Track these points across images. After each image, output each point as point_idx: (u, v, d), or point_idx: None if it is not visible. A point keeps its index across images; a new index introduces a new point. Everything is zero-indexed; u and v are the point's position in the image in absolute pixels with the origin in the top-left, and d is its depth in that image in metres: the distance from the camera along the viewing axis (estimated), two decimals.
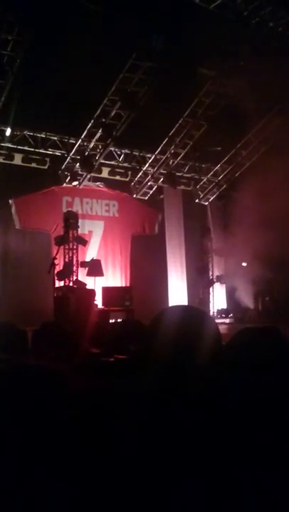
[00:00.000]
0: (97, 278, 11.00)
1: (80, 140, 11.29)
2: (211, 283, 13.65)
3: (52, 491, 0.91)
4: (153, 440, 1.13)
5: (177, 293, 13.26)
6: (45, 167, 11.54)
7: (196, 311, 1.38)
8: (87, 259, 11.58)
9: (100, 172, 12.22)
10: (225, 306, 14.07)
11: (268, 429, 1.18)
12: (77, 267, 11.16)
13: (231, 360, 1.61)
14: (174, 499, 1.10)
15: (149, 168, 12.70)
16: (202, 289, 13.55)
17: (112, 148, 11.97)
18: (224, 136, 11.79)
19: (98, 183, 12.46)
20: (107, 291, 10.55)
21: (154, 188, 13.06)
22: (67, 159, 11.55)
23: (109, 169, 12.41)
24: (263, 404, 1.21)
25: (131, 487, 1.02)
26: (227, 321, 13.25)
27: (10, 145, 10.99)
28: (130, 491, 1.02)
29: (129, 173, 12.75)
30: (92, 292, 9.77)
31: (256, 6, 9.60)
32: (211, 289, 13.63)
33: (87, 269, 11.13)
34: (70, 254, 11.12)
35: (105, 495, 0.96)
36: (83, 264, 11.26)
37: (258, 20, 9.82)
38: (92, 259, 11.41)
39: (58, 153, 11.55)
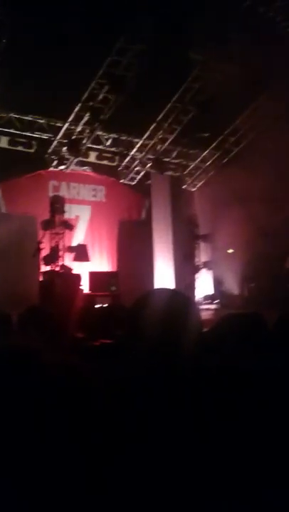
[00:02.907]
0: (84, 263, 10.99)
1: (67, 123, 11.17)
2: (198, 269, 13.71)
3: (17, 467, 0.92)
4: (136, 421, 1.15)
5: (164, 279, 13.30)
6: (32, 150, 11.40)
7: (180, 295, 1.40)
8: (74, 244, 11.54)
9: (87, 156, 12.12)
10: (211, 292, 14.17)
11: (250, 412, 1.20)
12: (64, 252, 11.12)
13: (215, 345, 1.63)
14: (156, 481, 1.12)
15: (137, 153, 12.63)
16: (188, 275, 13.60)
17: (100, 133, 11.87)
18: (212, 122, 11.74)
19: (85, 168, 12.36)
20: (94, 276, 10.56)
21: (141, 174, 13.01)
22: (54, 143, 11.43)
23: (96, 153, 12.31)
24: (245, 388, 1.23)
25: (107, 466, 1.04)
26: (213, 306, 13.36)
27: None
28: (106, 471, 1.03)
29: (117, 157, 12.66)
30: (78, 277, 9.78)
31: None
32: (197, 275, 13.70)
33: (73, 254, 11.11)
34: (57, 239, 11.08)
35: (77, 474, 0.97)
36: (70, 249, 11.23)
37: (249, 4, 9.74)
38: (79, 244, 11.39)
39: (44, 136, 11.41)
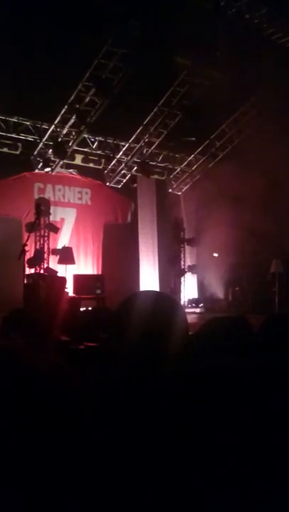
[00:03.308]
0: (69, 266, 10.94)
1: (53, 126, 11.13)
2: (183, 273, 13.75)
3: None
4: (121, 426, 1.14)
5: (149, 282, 13.32)
6: (17, 152, 11.34)
7: (166, 297, 1.39)
8: (59, 246, 11.49)
9: (73, 159, 12.09)
10: (196, 296, 14.22)
11: (234, 414, 1.20)
12: (49, 255, 11.07)
13: (200, 348, 1.63)
14: (140, 484, 1.11)
15: (123, 157, 12.63)
16: (173, 278, 13.63)
17: (86, 135, 11.85)
18: (198, 126, 11.81)
19: (71, 170, 12.32)
20: (79, 278, 10.50)
21: (127, 177, 13.02)
22: (40, 145, 11.38)
23: (82, 156, 12.28)
24: (230, 391, 1.23)
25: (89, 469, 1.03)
26: (197, 310, 13.40)
27: None
28: (84, 473, 1.02)
29: (103, 160, 12.65)
30: (63, 280, 9.71)
31: None
32: (182, 278, 13.74)
33: (58, 256, 11.05)
34: (42, 242, 11.02)
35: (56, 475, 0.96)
36: (54, 251, 11.18)
37: (235, 11, 9.84)
38: (64, 247, 11.33)
39: (30, 138, 11.35)
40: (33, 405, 0.96)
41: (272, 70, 9.64)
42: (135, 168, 12.90)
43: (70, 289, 10.35)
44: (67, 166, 12.15)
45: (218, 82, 10.33)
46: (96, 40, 9.49)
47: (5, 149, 11.16)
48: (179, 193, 14.37)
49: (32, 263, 10.44)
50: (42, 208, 10.63)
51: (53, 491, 0.95)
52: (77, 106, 10.67)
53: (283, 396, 1.25)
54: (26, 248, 9.31)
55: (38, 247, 10.89)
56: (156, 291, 1.47)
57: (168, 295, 1.46)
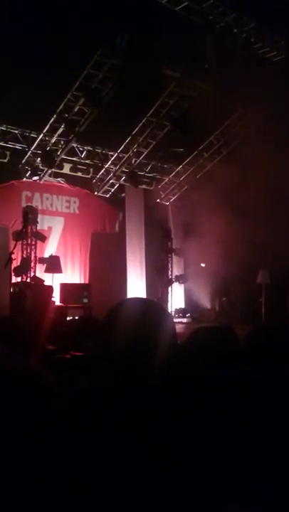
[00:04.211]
0: (56, 275, 10.89)
1: (41, 134, 11.13)
2: (170, 282, 13.77)
3: None
4: (107, 434, 1.14)
5: (136, 291, 13.30)
6: (5, 160, 11.31)
7: (154, 304, 1.39)
8: (46, 255, 11.43)
9: (62, 168, 12.08)
10: (183, 306, 14.23)
11: (220, 421, 1.21)
12: (36, 263, 11.01)
13: (187, 357, 1.64)
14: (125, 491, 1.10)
15: (111, 166, 12.67)
16: (161, 288, 13.64)
17: (75, 145, 11.86)
18: (187, 137, 11.91)
19: (59, 179, 12.32)
20: (65, 287, 10.47)
21: (115, 186, 13.04)
22: (28, 153, 11.36)
23: (70, 165, 12.29)
24: (215, 399, 1.24)
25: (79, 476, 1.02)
26: (184, 320, 13.41)
27: None
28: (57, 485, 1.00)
29: (91, 170, 12.67)
30: (49, 289, 9.67)
31: (221, 11, 9.76)
32: (169, 288, 13.75)
33: (45, 265, 11.00)
34: (29, 250, 10.96)
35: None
36: (42, 260, 11.12)
37: (223, 25, 9.98)
38: (51, 256, 11.29)
39: (18, 146, 11.34)
40: (6, 410, 0.95)
41: (260, 83, 9.78)
42: (123, 177, 12.94)
43: (56, 297, 10.31)
44: (56, 175, 12.14)
45: (206, 94, 10.44)
46: (86, 50, 9.55)
47: None
48: (167, 203, 14.43)
49: (19, 272, 10.37)
50: (29, 216, 10.60)
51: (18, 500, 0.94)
52: (66, 115, 10.69)
53: (266, 405, 1.26)
54: (13, 257, 9.27)
55: (25, 255, 10.83)
56: (144, 299, 1.47)
57: (156, 302, 1.45)
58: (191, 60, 10.26)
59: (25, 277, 10.48)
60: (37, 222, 11.22)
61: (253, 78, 9.65)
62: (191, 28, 9.46)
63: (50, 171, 11.70)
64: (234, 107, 12.03)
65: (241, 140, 12.46)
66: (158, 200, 14.20)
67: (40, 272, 10.96)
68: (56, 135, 11.08)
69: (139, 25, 8.96)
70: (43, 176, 11.69)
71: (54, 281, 10.66)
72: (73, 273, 12.39)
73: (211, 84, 10.58)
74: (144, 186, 13.69)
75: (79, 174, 12.51)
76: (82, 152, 12.33)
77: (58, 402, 1.03)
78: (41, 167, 11.53)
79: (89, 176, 12.70)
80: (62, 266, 11.26)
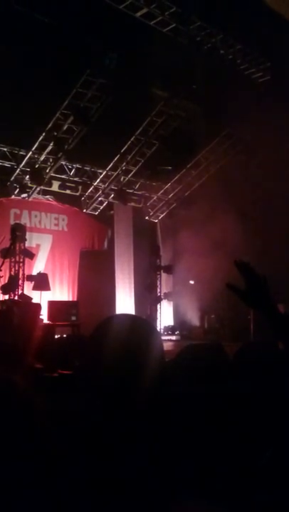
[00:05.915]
0: (44, 292, 10.81)
1: (30, 152, 11.16)
2: (159, 300, 13.75)
3: None
4: (96, 452, 1.12)
5: (125, 309, 13.24)
6: None
7: (142, 321, 1.38)
8: (34, 272, 11.37)
9: (50, 185, 12.09)
10: (172, 323, 14.19)
11: (209, 438, 1.19)
12: (23, 281, 10.94)
13: (176, 374, 1.62)
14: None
15: (100, 184, 12.72)
16: (149, 305, 13.61)
17: (63, 162, 11.91)
18: (175, 155, 12.02)
19: (48, 197, 12.32)
20: (53, 305, 10.38)
21: (104, 204, 13.08)
22: (17, 171, 11.37)
23: (59, 183, 12.30)
24: (204, 416, 1.23)
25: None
26: (173, 337, 13.36)
27: None
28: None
29: (80, 187, 12.70)
30: (37, 306, 9.58)
31: (208, 32, 9.96)
32: (158, 305, 13.72)
33: (33, 282, 10.93)
34: (17, 268, 10.90)
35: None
36: (30, 277, 11.05)
37: (210, 46, 10.17)
38: (39, 273, 11.22)
39: (7, 164, 11.35)
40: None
41: (246, 103, 9.94)
42: (112, 195, 12.99)
43: (44, 315, 10.21)
44: (44, 193, 12.15)
45: (194, 113, 10.59)
46: (74, 69, 9.65)
47: None
48: (156, 221, 14.49)
49: (6, 289, 10.29)
50: (17, 233, 10.56)
51: None
52: (55, 133, 10.75)
53: (256, 422, 1.25)
54: (1, 274, 9.21)
55: (12, 273, 10.76)
56: (131, 315, 1.46)
57: (144, 319, 1.44)
58: (179, 80, 10.41)
59: (13, 295, 10.39)
60: (25, 240, 11.18)
61: (240, 98, 9.81)
62: (179, 49, 9.62)
63: (38, 189, 11.71)
64: (221, 126, 12.19)
65: (230, 158, 12.61)
66: (146, 218, 14.26)
67: (28, 289, 10.88)
68: (45, 153, 11.12)
69: (128, 46, 9.10)
70: (32, 193, 11.70)
71: (42, 298, 10.58)
72: (62, 290, 12.32)
73: (199, 103, 10.73)
74: (132, 204, 13.75)
75: (68, 192, 12.52)
76: (70, 170, 12.37)
77: (43, 420, 1.01)
78: (30, 184, 11.54)
79: (78, 194, 12.73)
80: (51, 283, 11.20)
